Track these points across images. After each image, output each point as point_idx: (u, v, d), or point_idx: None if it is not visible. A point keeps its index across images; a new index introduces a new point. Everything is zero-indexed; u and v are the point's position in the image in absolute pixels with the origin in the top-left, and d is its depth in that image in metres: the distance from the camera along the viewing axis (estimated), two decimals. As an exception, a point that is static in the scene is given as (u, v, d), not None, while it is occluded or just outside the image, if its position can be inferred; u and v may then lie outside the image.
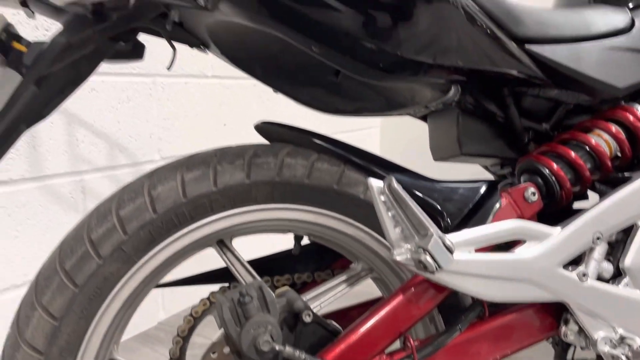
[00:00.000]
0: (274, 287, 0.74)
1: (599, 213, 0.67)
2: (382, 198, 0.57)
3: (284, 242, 0.83)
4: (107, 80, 1.33)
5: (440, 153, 0.83)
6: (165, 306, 1.59)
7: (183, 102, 1.56)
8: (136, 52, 0.72)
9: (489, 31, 0.63)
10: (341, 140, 0.71)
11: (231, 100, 1.73)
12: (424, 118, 0.88)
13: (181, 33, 0.74)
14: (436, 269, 0.58)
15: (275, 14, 0.59)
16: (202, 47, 0.80)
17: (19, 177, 1.16)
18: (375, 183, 0.58)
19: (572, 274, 0.66)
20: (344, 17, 0.58)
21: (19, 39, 0.59)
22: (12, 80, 0.61)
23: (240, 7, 0.60)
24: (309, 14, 0.58)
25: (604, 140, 0.72)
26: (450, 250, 0.59)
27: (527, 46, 0.67)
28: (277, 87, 0.74)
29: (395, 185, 0.57)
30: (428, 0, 0.59)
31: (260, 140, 0.74)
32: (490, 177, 0.89)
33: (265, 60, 0.74)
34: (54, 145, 1.23)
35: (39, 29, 1.17)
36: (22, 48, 0.58)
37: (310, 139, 0.69)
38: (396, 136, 2.85)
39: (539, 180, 0.70)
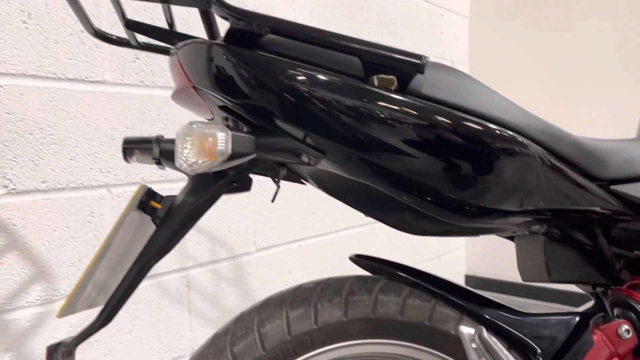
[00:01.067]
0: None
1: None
2: (474, 345, 0.61)
3: None
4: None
5: (528, 276, 0.84)
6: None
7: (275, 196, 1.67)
8: (245, 186, 0.82)
9: (571, 177, 0.67)
10: (431, 273, 0.76)
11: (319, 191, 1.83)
12: (510, 237, 0.91)
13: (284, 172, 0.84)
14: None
15: (368, 172, 0.66)
16: (301, 181, 0.90)
17: (135, 276, 1.30)
18: (466, 330, 0.62)
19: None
20: (430, 175, 0.64)
21: (155, 197, 0.70)
22: (149, 227, 0.73)
23: (337, 165, 0.68)
24: (400, 172, 0.65)
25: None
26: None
27: (613, 187, 0.69)
28: (368, 212, 0.80)
29: (486, 335, 0.60)
30: (509, 154, 0.64)
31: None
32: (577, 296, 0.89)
33: (357, 191, 0.81)
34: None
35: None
36: (157, 205, 0.69)
37: (402, 272, 0.74)
38: (482, 251, 2.84)
39: (633, 316, 0.70)
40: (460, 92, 0.66)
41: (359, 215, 0.84)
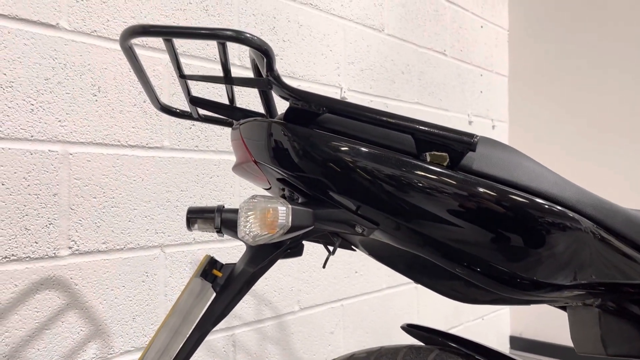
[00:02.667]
0: None
1: None
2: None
3: None
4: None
5: (583, 348, 0.83)
6: None
7: (319, 254, 1.70)
8: (298, 252, 0.85)
9: (624, 251, 0.67)
10: (482, 343, 0.76)
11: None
12: (562, 307, 0.90)
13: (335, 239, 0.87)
14: None
15: (420, 243, 0.68)
16: (352, 248, 0.92)
17: (184, 335, 1.33)
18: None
19: None
20: (481, 248, 0.66)
21: (216, 265, 0.74)
22: (208, 293, 0.76)
23: (390, 236, 0.70)
24: (452, 244, 0.67)
25: None
26: None
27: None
28: (417, 279, 0.82)
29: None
30: (560, 228, 0.66)
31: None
32: None
33: (407, 259, 0.83)
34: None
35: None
36: (219, 274, 0.73)
37: (454, 343, 0.75)
38: (528, 310, 2.77)
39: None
40: (510, 168, 0.69)
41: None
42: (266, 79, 0.68)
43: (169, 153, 1.29)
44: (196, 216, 0.76)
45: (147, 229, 1.25)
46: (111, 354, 1.18)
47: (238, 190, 1.45)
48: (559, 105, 2.59)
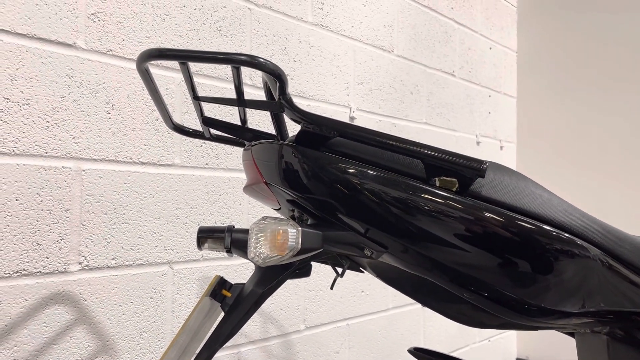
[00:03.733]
0: None
1: None
2: None
3: None
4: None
5: (591, 375, 0.83)
6: None
7: (326, 273, 1.70)
8: (306, 272, 0.86)
9: (632, 279, 0.68)
10: None
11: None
12: (570, 333, 0.90)
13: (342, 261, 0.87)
14: None
15: (429, 267, 0.69)
16: (360, 270, 0.93)
17: None
18: None
19: None
20: (489, 273, 0.66)
21: (225, 285, 0.75)
22: (216, 312, 0.77)
23: (398, 260, 0.71)
24: (460, 269, 0.67)
25: None
26: None
27: (675, 289, 0.69)
28: (425, 302, 0.82)
29: None
30: (567, 255, 0.66)
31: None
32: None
33: (415, 282, 0.84)
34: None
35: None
36: (228, 294, 0.74)
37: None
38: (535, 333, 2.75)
39: None
40: (519, 194, 0.69)
41: (410, 298, 0.85)
42: (279, 102, 0.70)
43: (179, 170, 1.31)
44: (206, 235, 0.77)
45: (156, 246, 1.26)
46: (117, 370, 1.19)
47: (247, 209, 1.46)
48: (567, 127, 2.59)
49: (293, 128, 0.73)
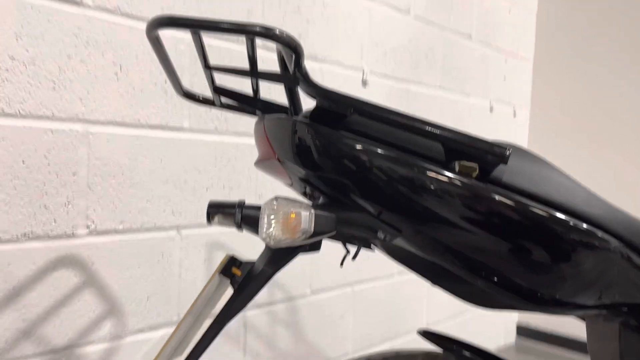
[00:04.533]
0: None
1: None
2: None
3: None
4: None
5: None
6: None
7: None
8: (316, 247, 0.85)
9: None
10: (487, 350, 0.76)
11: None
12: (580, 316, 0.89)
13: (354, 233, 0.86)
14: None
15: (443, 253, 0.67)
16: (370, 248, 0.91)
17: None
18: None
19: None
20: (507, 263, 0.64)
21: (236, 263, 0.74)
22: (225, 288, 0.76)
23: (412, 244, 0.69)
24: (476, 257, 0.66)
25: None
26: None
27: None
28: (436, 282, 0.81)
29: None
30: (587, 247, 0.64)
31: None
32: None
33: (426, 262, 0.82)
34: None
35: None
36: (238, 272, 0.73)
37: (468, 352, 0.74)
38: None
39: None
40: (541, 182, 0.67)
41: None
42: (293, 75, 0.67)
43: (188, 134, 1.28)
44: (216, 211, 0.75)
45: (164, 210, 1.25)
46: (125, 332, 1.20)
47: (255, 174, 1.44)
48: (584, 94, 2.53)
49: (307, 100, 0.70)
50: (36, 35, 1.02)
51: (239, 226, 0.74)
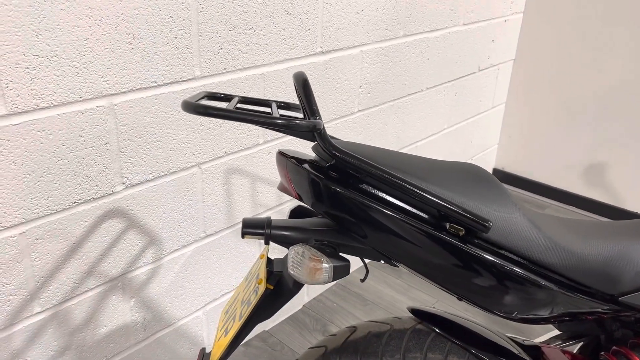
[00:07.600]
0: None
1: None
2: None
3: None
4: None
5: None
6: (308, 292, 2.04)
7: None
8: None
9: (583, 294, 0.88)
10: (476, 323, 1.01)
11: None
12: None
13: (375, 254, 1.03)
14: None
15: (441, 286, 0.88)
16: (394, 265, 1.10)
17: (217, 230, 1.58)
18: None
19: None
20: (483, 297, 0.85)
21: (269, 279, 0.94)
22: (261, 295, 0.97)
23: (415, 272, 0.89)
24: (461, 292, 0.86)
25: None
26: None
27: (622, 298, 0.90)
28: (456, 292, 1.01)
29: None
30: (536, 288, 0.84)
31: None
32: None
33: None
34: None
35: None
36: (270, 287, 0.93)
37: (450, 325, 0.99)
38: (515, 148, 2.96)
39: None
40: (511, 237, 0.84)
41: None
42: (311, 132, 0.77)
43: (200, 82, 1.35)
44: (249, 232, 0.93)
45: (186, 153, 1.39)
46: (163, 253, 1.44)
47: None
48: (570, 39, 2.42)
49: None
50: (53, 27, 1.05)
51: (267, 242, 0.92)
